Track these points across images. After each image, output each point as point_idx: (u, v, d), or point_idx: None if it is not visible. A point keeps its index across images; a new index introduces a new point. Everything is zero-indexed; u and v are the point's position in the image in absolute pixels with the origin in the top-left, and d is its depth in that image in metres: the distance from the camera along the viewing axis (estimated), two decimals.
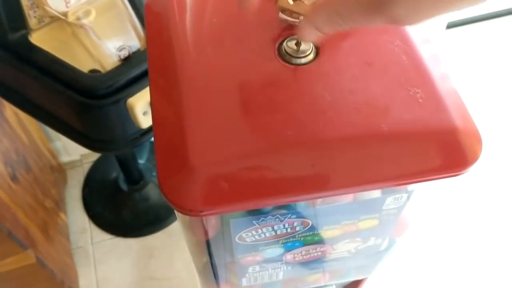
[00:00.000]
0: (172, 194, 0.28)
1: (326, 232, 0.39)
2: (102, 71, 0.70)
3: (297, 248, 0.41)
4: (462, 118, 0.30)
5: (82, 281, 1.09)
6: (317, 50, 0.32)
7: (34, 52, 0.66)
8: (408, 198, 0.36)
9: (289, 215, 0.35)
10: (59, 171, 1.21)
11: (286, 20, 0.33)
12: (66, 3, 0.66)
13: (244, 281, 0.46)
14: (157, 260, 1.11)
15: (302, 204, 0.35)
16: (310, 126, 0.29)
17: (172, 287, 1.08)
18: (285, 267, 0.44)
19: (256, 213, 0.34)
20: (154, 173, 1.20)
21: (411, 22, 0.23)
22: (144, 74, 0.68)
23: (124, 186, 1.19)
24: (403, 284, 1.08)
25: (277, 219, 0.35)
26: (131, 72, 0.67)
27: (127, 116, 0.68)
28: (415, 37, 0.33)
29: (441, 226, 1.16)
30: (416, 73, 0.32)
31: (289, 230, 0.37)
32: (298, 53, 0.32)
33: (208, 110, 0.30)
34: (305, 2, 0.31)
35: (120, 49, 0.71)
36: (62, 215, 1.13)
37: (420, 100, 0.30)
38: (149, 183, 1.19)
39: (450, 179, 0.30)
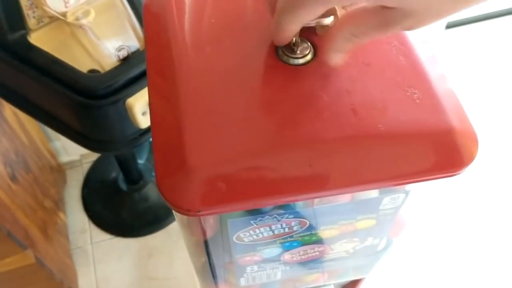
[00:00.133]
0: (170, 194, 0.28)
1: (323, 232, 0.39)
2: (101, 71, 0.70)
3: (295, 248, 0.41)
4: (459, 118, 0.30)
5: (82, 281, 1.09)
6: (315, 51, 0.32)
7: (33, 52, 0.66)
8: (405, 198, 0.36)
9: (287, 215, 0.35)
10: (59, 171, 1.21)
11: None
12: (65, 3, 0.66)
13: (242, 281, 0.46)
14: (156, 260, 1.11)
15: (300, 204, 0.35)
16: (308, 126, 0.29)
17: (171, 287, 1.08)
18: (283, 267, 0.44)
19: (254, 213, 0.34)
20: (153, 173, 1.20)
21: (421, 26, 0.25)
22: (143, 74, 0.68)
23: (123, 186, 1.19)
24: (400, 284, 1.08)
25: (275, 219, 0.35)
26: (130, 72, 0.67)
27: (126, 116, 0.68)
28: (413, 38, 0.34)
29: (438, 226, 1.16)
30: (413, 74, 0.32)
31: (286, 230, 0.37)
32: (296, 53, 0.32)
33: (206, 110, 0.30)
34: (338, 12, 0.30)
35: (119, 49, 0.71)
36: (62, 215, 1.13)
37: (417, 101, 0.30)
38: (149, 183, 1.19)
39: (446, 179, 0.30)
